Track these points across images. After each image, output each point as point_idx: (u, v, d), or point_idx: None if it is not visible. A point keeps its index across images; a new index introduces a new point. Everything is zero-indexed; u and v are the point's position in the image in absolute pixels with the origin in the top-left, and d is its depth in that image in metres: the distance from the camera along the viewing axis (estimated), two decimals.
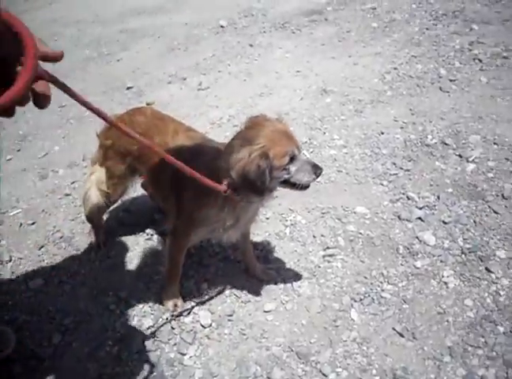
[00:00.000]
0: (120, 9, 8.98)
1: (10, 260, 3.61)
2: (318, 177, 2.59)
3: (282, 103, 5.30)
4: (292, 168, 2.50)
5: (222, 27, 7.63)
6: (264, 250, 3.47)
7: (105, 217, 3.78)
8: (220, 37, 7.31)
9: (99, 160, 3.30)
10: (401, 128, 4.62)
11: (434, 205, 3.70)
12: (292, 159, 2.48)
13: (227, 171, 2.42)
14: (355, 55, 6.22)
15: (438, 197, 3.76)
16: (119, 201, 3.74)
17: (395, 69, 5.72)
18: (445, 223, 3.54)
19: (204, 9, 8.54)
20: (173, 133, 2.94)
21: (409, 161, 4.17)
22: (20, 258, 3.63)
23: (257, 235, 3.57)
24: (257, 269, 3.27)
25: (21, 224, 3.94)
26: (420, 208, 3.68)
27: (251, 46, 6.86)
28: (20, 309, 3.22)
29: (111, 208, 3.66)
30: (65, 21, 8.80)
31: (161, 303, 3.15)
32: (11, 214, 4.09)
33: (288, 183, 2.57)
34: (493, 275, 3.13)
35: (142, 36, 7.69)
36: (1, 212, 4.12)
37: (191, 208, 2.71)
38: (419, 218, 3.61)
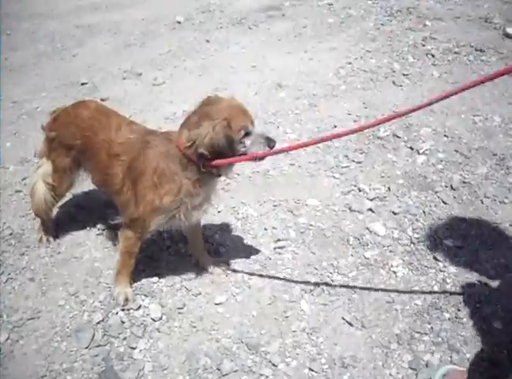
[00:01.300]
0: (77, 4, 8.81)
1: None
2: (271, 149, 2.68)
3: (236, 98, 5.26)
4: (247, 142, 2.62)
5: (179, 22, 7.57)
6: (215, 244, 3.44)
7: (55, 212, 3.70)
8: (176, 33, 7.25)
9: (45, 153, 3.27)
10: (354, 121, 4.66)
11: (385, 197, 3.74)
12: (247, 133, 2.61)
13: (194, 147, 2.54)
14: (310, 50, 6.24)
15: (389, 189, 3.80)
16: (69, 196, 3.70)
17: (349, 63, 5.77)
18: (395, 213, 3.58)
19: (161, 4, 8.46)
20: (116, 128, 2.94)
21: (361, 153, 4.21)
22: None
23: (208, 229, 3.54)
24: (207, 262, 3.25)
25: None
26: (371, 200, 3.71)
27: (208, 41, 6.82)
28: None
29: (60, 203, 3.61)
30: (20, 16, 8.56)
31: (112, 297, 3.08)
32: None
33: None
34: (440, 264, 3.18)
35: (98, 32, 7.56)
36: None
37: (152, 197, 2.71)
38: (370, 209, 3.64)
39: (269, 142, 2.67)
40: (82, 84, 5.88)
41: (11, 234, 3.66)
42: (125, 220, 2.95)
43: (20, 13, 8.70)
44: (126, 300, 3.04)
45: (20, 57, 6.97)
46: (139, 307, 3.03)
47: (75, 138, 3.05)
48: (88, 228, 3.66)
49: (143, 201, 2.75)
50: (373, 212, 3.62)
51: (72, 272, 3.32)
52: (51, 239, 3.55)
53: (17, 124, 5.13)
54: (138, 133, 2.92)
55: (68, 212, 3.83)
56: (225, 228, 3.57)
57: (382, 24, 6.72)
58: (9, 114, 5.37)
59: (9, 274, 3.34)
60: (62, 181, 3.26)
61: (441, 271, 3.14)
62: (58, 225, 3.68)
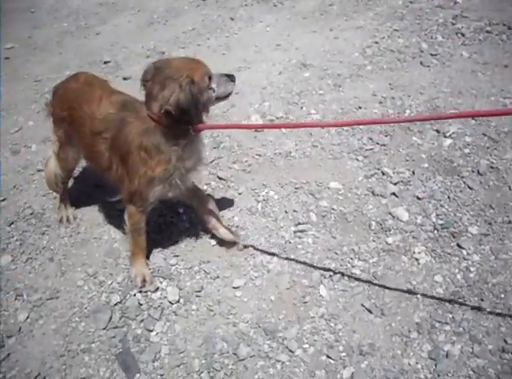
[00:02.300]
0: None
1: None
2: (235, 82, 2.92)
3: (260, 77, 5.20)
4: (213, 85, 2.79)
5: None
6: (234, 226, 3.40)
7: (76, 192, 3.72)
8: (200, 10, 7.16)
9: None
10: (380, 102, 4.54)
11: (409, 181, 3.65)
12: (210, 77, 2.77)
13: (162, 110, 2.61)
14: (336, 29, 6.11)
15: (414, 173, 3.71)
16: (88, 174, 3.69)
17: (376, 43, 5.62)
18: (419, 198, 3.49)
19: None
20: (98, 101, 2.95)
21: (386, 136, 4.11)
22: None
23: (227, 211, 3.51)
24: (219, 226, 3.22)
25: None
26: (395, 184, 3.63)
27: (232, 19, 6.72)
28: None
29: (69, 178, 3.62)
30: None
31: (130, 279, 3.08)
32: None
33: (216, 99, 2.88)
34: (464, 252, 3.09)
35: (122, 9, 7.52)
36: None
37: (144, 170, 2.74)
38: (394, 193, 3.56)
39: (231, 78, 2.91)
40: (105, 62, 5.86)
41: (32, 213, 3.69)
42: (124, 197, 2.96)
43: None
44: (144, 281, 3.04)
45: (44, 35, 6.98)
46: (157, 289, 3.02)
47: (63, 110, 3.13)
48: (107, 208, 3.65)
49: (136, 175, 2.77)
50: (396, 196, 3.54)
51: (91, 253, 3.33)
52: (71, 219, 3.56)
53: (40, 102, 5.11)
54: (116, 107, 2.89)
55: (87, 192, 3.84)
56: (245, 210, 3.53)
57: (410, 2, 6.52)
58: (32, 93, 5.39)
59: (30, 253, 3.36)
60: (65, 154, 3.32)
61: (464, 259, 3.05)
62: (77, 204, 3.70)
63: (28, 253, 3.37)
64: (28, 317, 2.95)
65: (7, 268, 3.28)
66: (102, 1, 7.89)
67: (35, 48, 6.59)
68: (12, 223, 3.62)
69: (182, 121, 2.64)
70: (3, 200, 3.85)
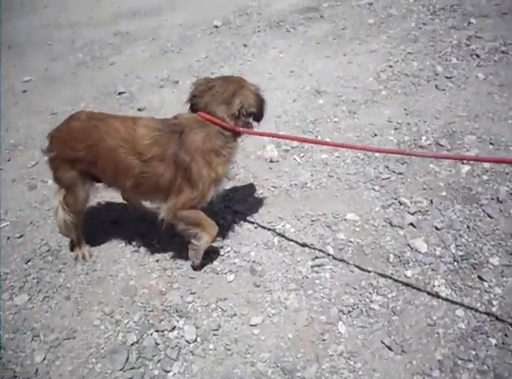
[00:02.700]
0: (115, 11, 8.92)
1: None
2: None
3: (275, 105, 5.20)
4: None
5: (216, 27, 7.55)
6: (251, 261, 3.38)
7: (92, 228, 3.73)
8: (213, 37, 7.23)
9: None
10: (395, 129, 4.51)
11: (427, 210, 3.60)
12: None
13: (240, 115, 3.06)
14: (350, 53, 6.11)
15: (432, 202, 3.66)
16: (104, 210, 3.70)
17: (390, 67, 5.61)
18: (437, 229, 3.44)
19: (199, 8, 8.47)
20: (128, 129, 3.02)
21: (402, 164, 4.07)
22: (7, 273, 3.57)
23: (244, 246, 3.49)
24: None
25: (9, 238, 3.88)
26: (412, 214, 3.58)
27: (245, 46, 6.77)
28: (4, 328, 3.16)
29: (82, 219, 3.57)
30: (60, 25, 8.74)
31: (146, 318, 3.07)
32: None
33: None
34: (486, 284, 3.02)
35: (136, 39, 7.62)
36: None
37: (208, 173, 2.99)
38: (411, 224, 3.51)
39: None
40: (120, 93, 5.93)
41: (48, 250, 3.71)
42: (178, 206, 3.06)
43: (60, 22, 8.87)
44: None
45: (60, 67, 7.09)
46: (173, 328, 3.01)
47: (76, 150, 3.11)
48: (123, 244, 3.67)
49: (201, 180, 2.97)
50: (414, 227, 3.49)
51: (107, 291, 3.32)
52: (87, 256, 3.57)
53: None
54: (157, 127, 3.03)
55: (103, 228, 3.84)
56: (261, 245, 3.51)
57: (423, 24, 6.52)
58: (48, 126, 5.37)
59: (46, 292, 3.37)
60: (75, 197, 3.30)
61: (486, 292, 2.99)
62: (93, 241, 3.70)
63: (44, 292, 3.38)
64: (44, 358, 2.95)
65: (24, 307, 3.30)
66: (116, 31, 8.01)
67: (52, 80, 6.69)
68: (29, 261, 3.64)
69: (244, 124, 3.10)
70: (20, 236, 3.88)
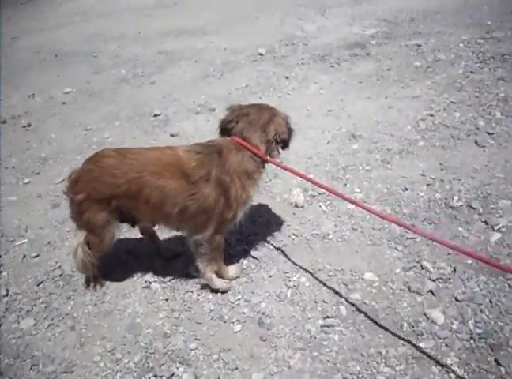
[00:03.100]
0: (162, 28, 9.03)
1: (7, 295, 3.59)
2: None
3: (307, 145, 5.15)
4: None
5: (261, 55, 7.55)
6: (260, 312, 3.30)
7: (106, 257, 3.71)
8: (256, 66, 7.23)
9: (73, 221, 3.35)
10: (427, 185, 4.38)
11: (449, 278, 3.46)
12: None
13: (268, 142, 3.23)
14: (391, 97, 6.01)
15: (455, 269, 3.52)
16: (123, 241, 3.70)
17: (431, 116, 5.48)
18: (457, 300, 3.29)
19: (246, 33, 8.51)
20: (172, 152, 3.14)
21: (430, 224, 3.94)
22: (17, 293, 3.60)
23: (256, 295, 3.42)
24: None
25: (25, 256, 3.92)
26: (433, 280, 3.45)
27: (287, 78, 6.74)
28: (5, 351, 3.17)
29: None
30: (108, 36, 8.90)
31: (146, 360, 3.02)
32: (17, 243, 4.10)
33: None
34: (503, 370, 2.87)
35: (179, 59, 7.68)
36: (8, 240, 4.13)
37: (240, 195, 3.13)
38: (431, 291, 3.38)
39: None
40: (155, 115, 5.96)
41: (61, 275, 3.73)
42: (215, 229, 3.21)
43: (108, 34, 9.01)
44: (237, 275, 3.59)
45: (101, 81, 7.20)
46: (172, 375, 2.96)
47: (115, 187, 3.08)
48: (135, 278, 3.64)
49: (235, 202, 3.12)
50: (433, 294, 3.36)
51: (112, 326, 3.30)
52: (98, 287, 3.55)
53: (87, 153, 5.20)
54: (197, 150, 3.15)
55: (118, 258, 3.84)
56: (274, 296, 3.43)
57: (471, 72, 6.36)
58: (80, 142, 5.52)
59: (52, 319, 3.38)
60: (101, 238, 3.28)
61: (502, 378, 2.83)
62: (106, 270, 3.69)
63: (50, 319, 3.38)
64: None
65: (28, 332, 3.31)
66: (161, 49, 8.10)
67: (91, 95, 6.80)
68: (40, 283, 3.67)
69: (274, 150, 3.27)
70: (36, 256, 3.91)
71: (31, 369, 3.06)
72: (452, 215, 4.01)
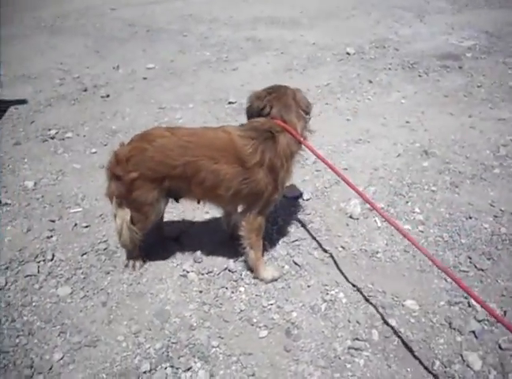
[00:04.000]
0: (256, 15, 8.99)
1: (52, 260, 3.70)
2: None
3: (376, 155, 4.97)
4: None
5: (348, 54, 7.37)
6: (289, 322, 3.22)
7: (152, 240, 3.76)
8: (341, 65, 7.07)
9: (118, 199, 3.31)
10: (495, 216, 4.12)
11: (497, 322, 3.23)
12: None
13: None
14: (476, 116, 5.70)
15: (505, 313, 3.28)
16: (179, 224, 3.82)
17: None
18: (501, 348, 3.06)
19: (337, 30, 8.33)
20: (227, 137, 3.16)
21: (488, 259, 3.70)
22: (61, 260, 3.70)
23: (289, 304, 3.34)
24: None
25: (76, 225, 4.03)
26: (479, 321, 3.23)
27: (370, 82, 6.54)
28: (39, 314, 3.27)
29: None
30: (200, 18, 8.96)
31: (167, 349, 3.03)
32: (71, 211, 4.21)
33: None
34: None
35: (266, 48, 7.62)
36: (64, 206, 4.25)
37: (283, 175, 3.26)
38: (473, 332, 3.16)
39: None
40: (230, 102, 5.94)
41: (105, 249, 3.79)
42: (259, 209, 3.32)
43: (200, 15, 9.07)
44: (274, 278, 3.52)
45: (185, 61, 7.26)
46: (188, 369, 2.93)
47: (170, 168, 3.12)
48: (174, 264, 3.66)
49: (281, 183, 3.26)
50: (476, 337, 3.14)
51: (142, 309, 3.32)
52: (137, 266, 3.60)
53: None
54: (252, 136, 3.15)
55: (162, 242, 3.86)
56: (307, 307, 3.34)
57: None
58: (151, 120, 5.60)
59: (88, 291, 3.45)
60: (147, 216, 3.32)
61: None
62: (149, 253, 3.73)
63: (86, 291, 3.45)
64: (62, 358, 2.99)
65: (63, 299, 3.38)
66: (250, 36, 8.06)
67: (172, 73, 6.87)
68: (84, 254, 3.75)
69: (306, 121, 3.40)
70: (86, 226, 4.01)
71: (58, 335, 3.13)
72: None
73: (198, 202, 3.48)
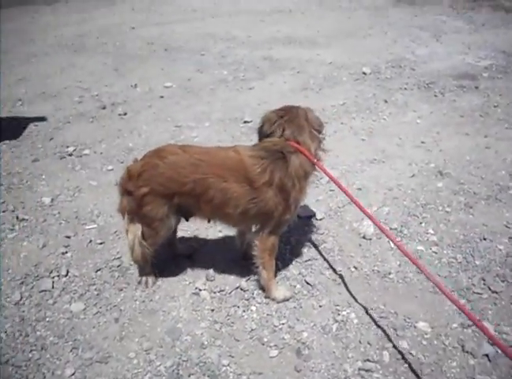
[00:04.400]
0: (273, 35, 9.09)
1: (66, 275, 3.74)
2: None
3: (391, 175, 4.97)
4: None
5: (364, 74, 7.40)
6: (300, 342, 3.21)
7: (165, 256, 3.81)
8: (357, 85, 7.09)
9: (129, 214, 3.37)
10: (509, 238, 4.08)
11: (511, 346, 3.20)
12: None
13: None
14: (492, 136, 5.68)
15: None
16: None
17: None
18: None
19: (354, 50, 8.38)
20: (237, 157, 3.19)
21: (503, 281, 3.67)
22: (76, 276, 3.74)
23: (300, 323, 3.34)
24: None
25: (91, 241, 4.07)
26: (492, 345, 3.19)
27: (386, 102, 6.55)
28: (52, 330, 3.30)
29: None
30: (219, 37, 9.08)
31: (177, 367, 3.04)
32: (87, 227, 4.26)
33: None
34: None
35: (283, 68, 7.69)
36: (79, 223, 4.31)
37: (297, 197, 3.26)
38: (487, 356, 3.13)
39: None
40: (245, 121, 5.99)
41: (119, 266, 3.83)
42: (271, 229, 3.32)
43: (218, 35, 9.19)
44: (286, 298, 3.51)
45: (202, 80, 7.35)
46: None
47: (181, 185, 3.16)
48: (187, 282, 3.68)
49: (293, 204, 3.25)
50: (489, 360, 3.11)
51: (154, 326, 3.34)
52: (150, 284, 3.63)
53: None
54: (262, 155, 3.17)
55: (175, 260, 3.90)
56: (319, 327, 3.33)
57: None
58: (167, 138, 5.66)
59: (101, 307, 3.47)
60: (157, 231, 3.35)
61: None
62: (162, 270, 3.76)
63: (99, 307, 3.48)
64: (73, 374, 3.01)
65: (77, 315, 3.41)
66: (267, 55, 8.14)
67: (189, 92, 6.95)
68: (98, 270, 3.79)
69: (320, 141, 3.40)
70: (101, 243, 4.06)
71: (71, 351, 3.16)
72: None
73: (209, 221, 3.51)
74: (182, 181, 3.16)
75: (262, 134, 3.39)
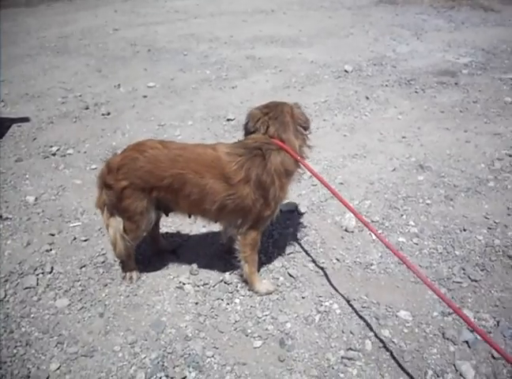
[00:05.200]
0: (255, 35, 9.14)
1: (51, 272, 3.75)
2: None
3: (372, 170, 5.03)
4: None
5: (346, 71, 7.47)
6: (284, 332, 3.25)
7: (148, 251, 3.84)
8: (339, 82, 7.16)
9: (109, 208, 3.39)
10: (489, 228, 4.16)
11: (490, 332, 3.26)
12: None
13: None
14: (471, 131, 5.77)
15: (498, 323, 3.31)
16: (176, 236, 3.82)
17: (510, 156, 5.21)
18: (494, 357, 3.08)
19: (336, 48, 8.45)
20: (214, 154, 3.20)
21: (482, 270, 3.74)
22: (60, 272, 3.75)
23: (283, 314, 3.38)
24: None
25: (75, 238, 4.08)
26: (472, 331, 3.26)
27: (367, 98, 6.63)
28: (37, 326, 3.31)
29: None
30: (201, 37, 9.11)
31: (162, 359, 3.07)
32: (71, 225, 4.27)
33: None
34: None
35: (265, 67, 7.74)
36: (64, 221, 4.32)
37: (279, 194, 3.25)
38: (467, 342, 3.19)
39: None
40: (228, 119, 6.02)
41: (103, 262, 3.84)
42: (251, 225, 3.34)
43: (201, 35, 9.22)
44: (269, 292, 3.54)
45: (185, 79, 7.38)
46: (183, 378, 2.96)
47: (159, 179, 3.18)
48: (171, 277, 3.70)
49: (273, 200, 3.24)
50: (469, 346, 3.17)
51: (138, 320, 3.36)
52: (134, 279, 3.65)
53: None
54: (239, 153, 3.19)
55: (159, 255, 3.93)
56: (301, 318, 3.37)
57: None
58: (150, 137, 5.63)
59: (85, 303, 3.49)
60: (137, 225, 3.36)
61: None
62: (146, 265, 3.80)
63: (84, 302, 3.49)
64: (59, 368, 3.02)
65: (62, 311, 3.42)
66: (250, 55, 8.19)
67: (172, 91, 6.97)
68: (83, 267, 3.80)
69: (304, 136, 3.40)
70: (85, 240, 4.07)
71: (56, 346, 3.17)
72: (508, 266, 3.79)
73: (189, 216, 3.53)
74: (160, 176, 3.18)
75: (247, 131, 3.39)
